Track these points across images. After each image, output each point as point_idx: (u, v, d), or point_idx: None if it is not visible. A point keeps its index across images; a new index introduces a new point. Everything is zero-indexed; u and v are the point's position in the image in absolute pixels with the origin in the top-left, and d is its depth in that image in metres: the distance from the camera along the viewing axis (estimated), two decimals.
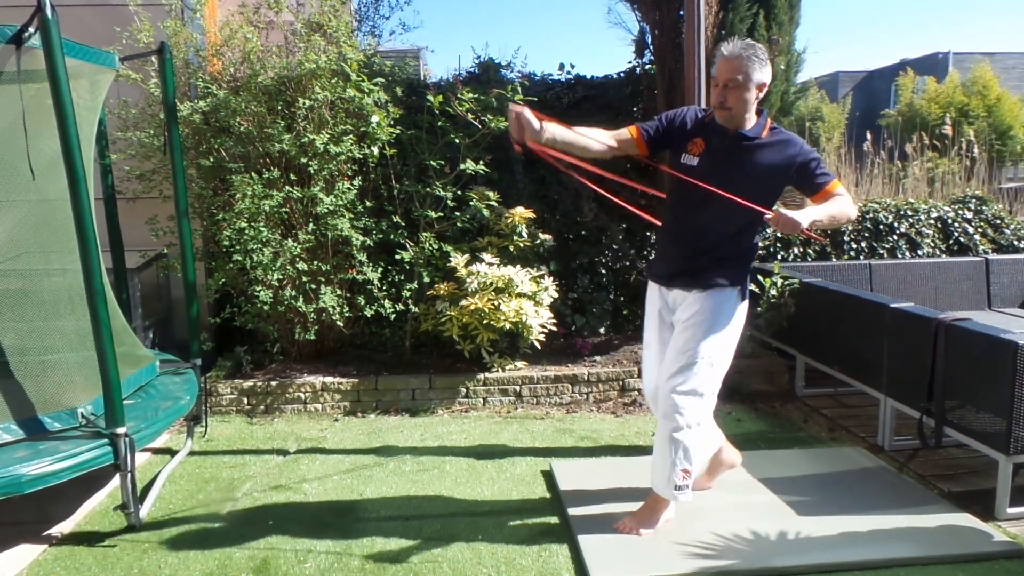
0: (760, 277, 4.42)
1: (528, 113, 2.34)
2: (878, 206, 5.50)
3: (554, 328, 4.58)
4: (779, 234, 5.29)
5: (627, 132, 2.61)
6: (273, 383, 4.31)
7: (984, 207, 5.66)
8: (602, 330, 5.10)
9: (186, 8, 4.63)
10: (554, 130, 2.40)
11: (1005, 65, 22.37)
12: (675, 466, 2.61)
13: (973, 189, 6.73)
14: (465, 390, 4.37)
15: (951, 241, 5.42)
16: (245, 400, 4.30)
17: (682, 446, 2.59)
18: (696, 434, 2.60)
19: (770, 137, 2.52)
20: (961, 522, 2.76)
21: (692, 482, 2.65)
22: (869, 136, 8.51)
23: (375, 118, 4.40)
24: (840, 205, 2.48)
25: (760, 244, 2.66)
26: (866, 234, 5.30)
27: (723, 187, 2.43)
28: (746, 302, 2.70)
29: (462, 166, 4.53)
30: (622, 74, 5.31)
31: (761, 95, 2.49)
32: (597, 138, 2.53)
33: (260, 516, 2.98)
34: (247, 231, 4.17)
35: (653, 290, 2.83)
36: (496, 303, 4.26)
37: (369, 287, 4.54)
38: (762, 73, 2.45)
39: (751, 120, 2.51)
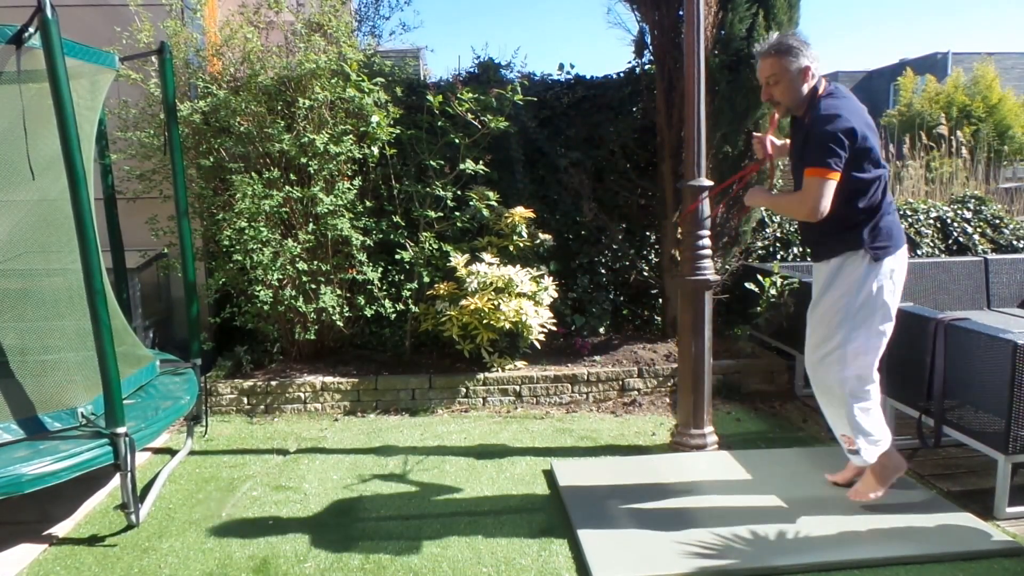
0: (760, 277, 4.42)
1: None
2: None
3: (554, 328, 4.59)
4: (777, 233, 5.31)
5: None
6: (273, 383, 4.31)
7: (983, 207, 5.67)
8: (602, 330, 5.10)
9: (186, 8, 4.63)
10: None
11: (1005, 65, 22.41)
12: (838, 432, 2.83)
13: (972, 189, 6.74)
14: (465, 390, 4.37)
15: (950, 241, 5.43)
16: (245, 400, 4.30)
17: (836, 414, 2.79)
18: (848, 401, 2.73)
19: (805, 114, 2.68)
20: (960, 521, 2.77)
21: (863, 445, 2.76)
22: None
23: (375, 118, 4.41)
24: (788, 200, 2.72)
25: (869, 207, 2.69)
26: None
27: (794, 178, 2.75)
28: (879, 263, 2.67)
29: (462, 166, 4.54)
30: (622, 74, 5.31)
31: (809, 78, 2.65)
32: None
33: (260, 516, 2.99)
34: (247, 231, 4.17)
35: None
36: (496, 303, 4.26)
37: (369, 287, 4.54)
38: (799, 60, 2.62)
39: (804, 104, 2.69)
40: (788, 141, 2.93)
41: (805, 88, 2.65)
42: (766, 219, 5.43)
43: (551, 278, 4.64)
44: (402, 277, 4.71)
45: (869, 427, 2.76)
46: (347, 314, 4.50)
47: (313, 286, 4.41)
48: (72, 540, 2.81)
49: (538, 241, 4.82)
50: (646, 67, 5.15)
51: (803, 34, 2.71)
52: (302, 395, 4.31)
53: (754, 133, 3.21)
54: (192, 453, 3.68)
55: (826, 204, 2.53)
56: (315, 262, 4.39)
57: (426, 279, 4.62)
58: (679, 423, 3.59)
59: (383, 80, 4.61)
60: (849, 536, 2.66)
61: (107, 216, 3.75)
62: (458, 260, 4.51)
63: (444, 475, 3.36)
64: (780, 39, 2.67)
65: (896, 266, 2.73)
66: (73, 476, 2.60)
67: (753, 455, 3.44)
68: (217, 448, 3.76)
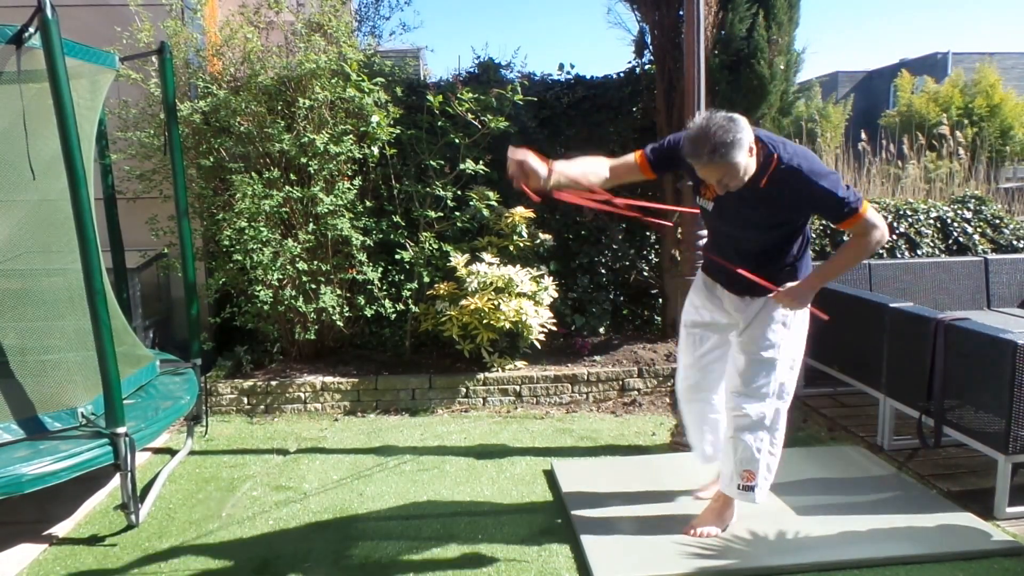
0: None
1: (532, 159, 2.22)
2: (877, 206, 5.51)
3: (554, 328, 4.59)
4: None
5: (632, 157, 2.54)
6: (273, 383, 4.31)
7: (983, 207, 5.66)
8: (602, 330, 5.10)
9: (186, 8, 4.63)
10: (560, 170, 2.31)
11: (1005, 65, 22.39)
12: (738, 466, 2.63)
13: (972, 189, 6.74)
14: (465, 390, 4.37)
15: (950, 241, 5.42)
16: (245, 400, 4.30)
17: (743, 446, 2.60)
18: (770, 439, 2.60)
19: (771, 181, 2.36)
20: (960, 521, 2.77)
21: (761, 483, 2.62)
22: (864, 136, 8.53)
23: (375, 118, 4.41)
24: (850, 254, 2.47)
25: (803, 253, 2.58)
26: None
27: (738, 227, 2.52)
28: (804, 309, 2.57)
29: (462, 166, 4.54)
30: (622, 74, 5.31)
31: (753, 154, 2.32)
32: (599, 171, 2.45)
33: (260, 516, 2.99)
34: (247, 231, 4.17)
35: (701, 284, 2.77)
36: (496, 303, 4.26)
37: (369, 287, 4.54)
38: (741, 146, 2.24)
39: (751, 172, 2.36)
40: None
41: (754, 161, 2.33)
42: None
43: (551, 278, 4.64)
44: (402, 277, 4.71)
45: (774, 468, 2.65)
46: (347, 314, 4.49)
47: (313, 286, 4.41)
48: (72, 540, 2.81)
49: (538, 241, 4.82)
50: (646, 67, 5.15)
51: (721, 120, 2.25)
52: (302, 395, 4.31)
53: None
54: (192, 453, 3.68)
55: (882, 221, 2.38)
56: (315, 262, 4.39)
57: (426, 279, 4.62)
58: (679, 423, 3.59)
59: (383, 80, 4.61)
60: (848, 536, 2.66)
61: (107, 216, 3.75)
62: (458, 260, 4.51)
63: (444, 475, 3.36)
64: (713, 140, 2.21)
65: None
66: (73, 476, 2.60)
67: None
68: (217, 448, 3.76)
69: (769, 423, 2.59)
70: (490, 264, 4.47)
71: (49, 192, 2.89)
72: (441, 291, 4.49)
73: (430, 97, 4.52)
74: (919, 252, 5.30)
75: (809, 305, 2.58)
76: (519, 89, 4.55)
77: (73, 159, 2.56)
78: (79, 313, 2.82)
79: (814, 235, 5.29)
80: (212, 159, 4.39)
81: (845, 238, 2.47)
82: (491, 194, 4.65)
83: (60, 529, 2.89)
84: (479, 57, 5.29)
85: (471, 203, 4.66)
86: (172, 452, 3.67)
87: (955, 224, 5.46)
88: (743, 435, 2.60)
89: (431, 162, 4.65)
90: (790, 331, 2.58)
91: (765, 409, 2.58)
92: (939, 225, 5.47)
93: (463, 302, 4.33)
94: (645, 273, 5.23)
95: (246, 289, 4.39)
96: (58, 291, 2.98)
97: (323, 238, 4.43)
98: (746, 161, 2.29)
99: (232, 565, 2.60)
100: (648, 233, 5.31)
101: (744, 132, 2.27)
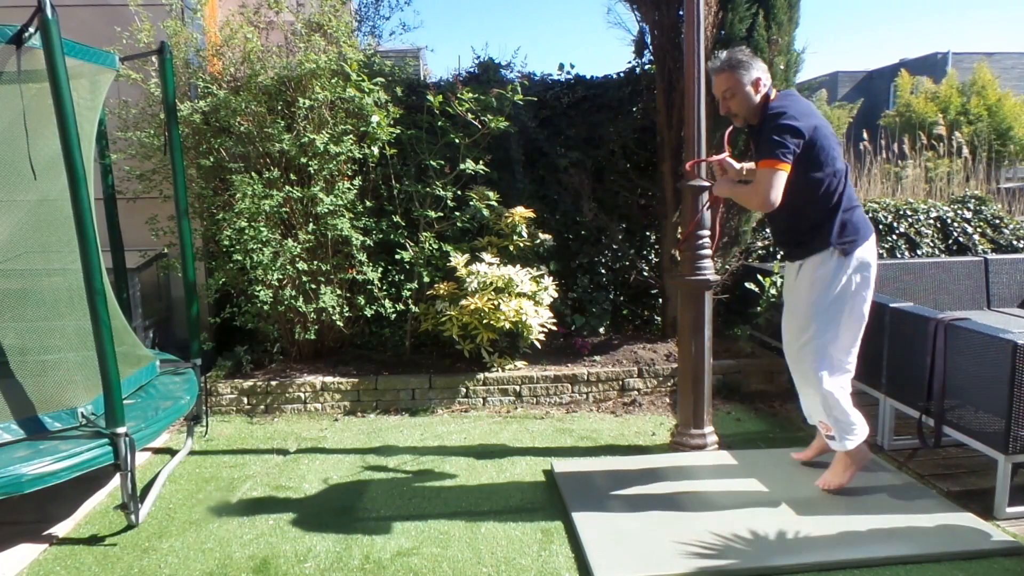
0: (760, 277, 4.42)
1: (732, 164, 3.06)
2: (877, 206, 5.51)
3: (554, 328, 4.59)
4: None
5: None
6: (273, 383, 4.31)
7: (983, 207, 5.67)
8: (602, 330, 5.10)
9: (186, 8, 4.63)
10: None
11: (1004, 65, 22.42)
12: (815, 419, 3.06)
13: (972, 189, 6.74)
14: (465, 390, 4.37)
15: (950, 241, 5.43)
16: (245, 400, 4.30)
17: (812, 401, 2.99)
18: (825, 390, 2.87)
19: (760, 121, 2.83)
20: (960, 521, 2.77)
21: (837, 432, 2.92)
22: (866, 136, 8.54)
23: (375, 118, 4.41)
24: (744, 191, 2.84)
25: (831, 204, 2.83)
26: None
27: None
28: (848, 257, 2.78)
29: (462, 166, 4.54)
30: (622, 74, 5.31)
31: (761, 89, 2.82)
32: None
33: (260, 516, 2.99)
34: (247, 231, 4.17)
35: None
36: (496, 303, 4.26)
37: (369, 287, 4.55)
38: (750, 73, 2.79)
39: (752, 105, 2.85)
40: (743, 165, 3.14)
41: (758, 98, 2.82)
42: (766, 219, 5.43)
43: (551, 278, 4.64)
44: (402, 277, 4.71)
45: (841, 415, 2.89)
46: (347, 314, 4.50)
47: (313, 286, 4.41)
48: (72, 540, 2.81)
49: (538, 241, 4.82)
50: (646, 67, 5.15)
51: (746, 50, 2.88)
52: (302, 395, 4.31)
53: (711, 158, 3.25)
54: (192, 453, 3.68)
55: (776, 194, 2.64)
56: (315, 262, 4.39)
57: (426, 279, 4.62)
58: (679, 423, 3.59)
59: (383, 80, 4.61)
60: (848, 535, 2.66)
61: (107, 216, 3.75)
62: (458, 260, 4.51)
63: (444, 475, 3.36)
64: (731, 54, 2.82)
65: (865, 256, 2.83)
66: (73, 476, 2.60)
67: (753, 455, 3.44)
68: (217, 448, 3.76)
69: (816, 377, 2.86)
70: (490, 264, 4.47)
71: (49, 192, 2.90)
72: (441, 291, 4.49)
73: (430, 97, 4.52)
74: (919, 252, 5.31)
75: (860, 273, 2.82)
76: (519, 89, 4.55)
77: (73, 159, 2.56)
78: (79, 313, 2.82)
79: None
80: (212, 159, 4.39)
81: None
82: (491, 194, 4.66)
83: (60, 529, 2.89)
84: (479, 57, 5.30)
85: (471, 203, 4.67)
86: (172, 452, 3.67)
87: (955, 224, 5.46)
88: (805, 390, 3.02)
89: (431, 162, 4.65)
90: (829, 292, 2.80)
91: (809, 364, 2.88)
92: (939, 225, 5.47)
93: (463, 302, 4.33)
94: (645, 273, 5.23)
95: (246, 289, 4.39)
96: (58, 291, 2.98)
97: (323, 238, 4.43)
98: (749, 89, 2.79)
99: (232, 565, 2.60)
100: (648, 233, 5.31)
101: (756, 64, 2.81)
